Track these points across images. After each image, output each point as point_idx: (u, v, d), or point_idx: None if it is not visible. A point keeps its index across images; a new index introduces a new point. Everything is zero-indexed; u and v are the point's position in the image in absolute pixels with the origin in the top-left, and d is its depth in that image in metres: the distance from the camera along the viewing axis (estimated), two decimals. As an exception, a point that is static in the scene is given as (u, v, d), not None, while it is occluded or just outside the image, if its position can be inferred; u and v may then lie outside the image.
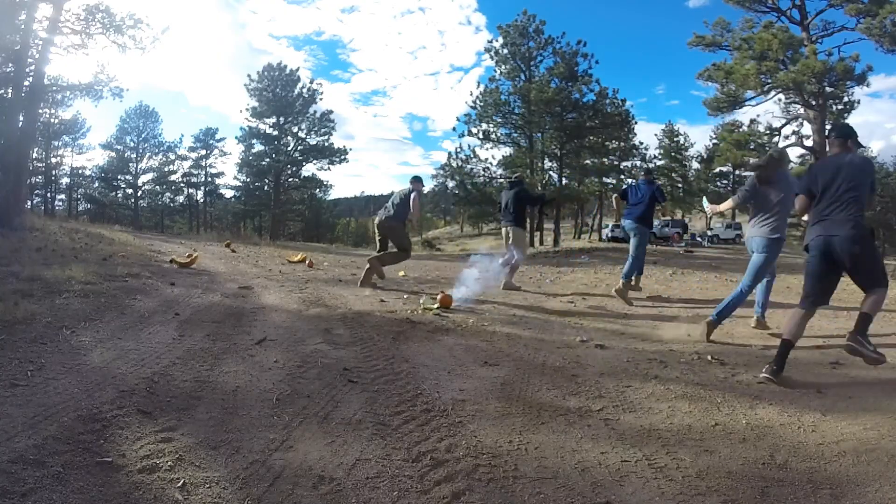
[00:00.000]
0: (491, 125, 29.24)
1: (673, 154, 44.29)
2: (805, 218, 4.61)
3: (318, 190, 41.59)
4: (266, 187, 38.69)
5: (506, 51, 28.78)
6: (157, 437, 2.86)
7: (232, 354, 4.44)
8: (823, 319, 7.29)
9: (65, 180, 41.02)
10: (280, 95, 37.01)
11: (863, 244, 4.02)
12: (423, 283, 10.22)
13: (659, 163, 43.24)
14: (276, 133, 37.58)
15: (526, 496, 2.48)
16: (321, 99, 38.38)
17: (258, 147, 38.23)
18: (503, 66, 29.04)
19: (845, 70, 16.98)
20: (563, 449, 2.96)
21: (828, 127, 18.57)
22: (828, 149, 4.61)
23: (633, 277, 8.41)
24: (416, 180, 8.37)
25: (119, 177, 42.46)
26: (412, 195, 8.10)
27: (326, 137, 37.91)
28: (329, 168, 38.34)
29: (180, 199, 45.76)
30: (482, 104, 28.80)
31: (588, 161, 31.29)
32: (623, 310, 7.77)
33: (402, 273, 11.85)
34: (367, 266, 8.40)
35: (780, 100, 20.86)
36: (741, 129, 23.63)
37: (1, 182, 11.86)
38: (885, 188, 33.05)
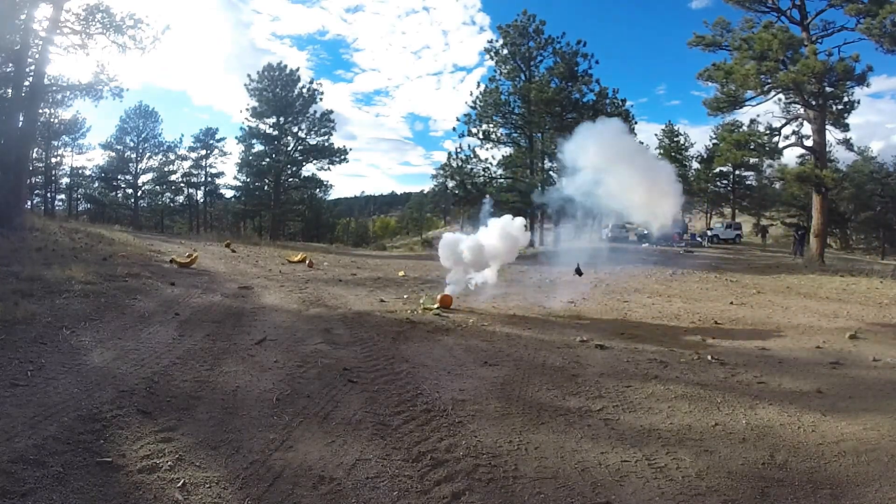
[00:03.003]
0: (491, 125, 29.22)
1: (673, 154, 44.28)
2: None
3: (318, 190, 41.56)
4: (266, 187, 38.63)
5: (506, 51, 28.80)
6: (157, 437, 2.86)
7: (232, 354, 4.44)
8: (823, 320, 7.30)
9: (65, 180, 40.94)
10: (280, 95, 36.98)
11: None
12: (424, 283, 10.22)
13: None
14: (276, 133, 37.54)
15: (526, 496, 2.48)
16: (321, 99, 38.32)
17: (258, 147, 38.18)
18: (503, 67, 29.04)
19: (845, 70, 16.91)
20: (563, 449, 2.97)
21: (828, 127, 18.62)
22: None
23: None
24: None
25: (119, 177, 42.43)
26: None
27: (326, 137, 37.92)
28: (329, 168, 38.36)
29: (180, 199, 45.68)
30: (482, 104, 28.78)
31: (588, 161, 31.33)
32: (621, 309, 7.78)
33: (401, 273, 11.85)
34: None
35: (780, 100, 20.76)
36: (741, 129, 23.61)
37: (1, 182, 11.86)
38: (885, 188, 33.00)
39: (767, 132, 20.50)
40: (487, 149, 30.77)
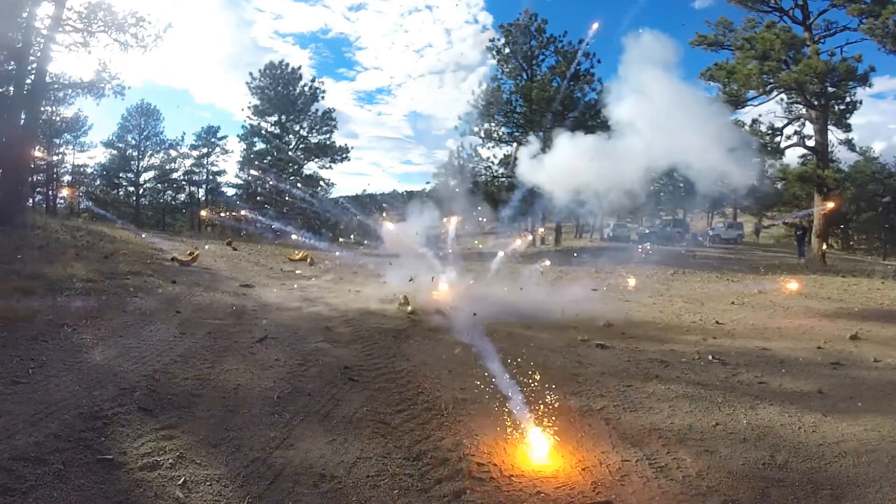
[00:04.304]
0: (493, 124, 29.27)
1: (674, 154, 44.31)
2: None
3: (319, 188, 41.67)
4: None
5: (508, 50, 28.81)
6: (158, 434, 2.87)
7: (233, 352, 4.44)
8: (824, 320, 7.29)
9: (66, 178, 41.09)
10: (282, 94, 36.98)
11: None
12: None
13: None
14: (277, 131, 37.60)
15: (526, 496, 2.48)
16: (323, 97, 38.29)
17: (260, 145, 38.26)
18: (505, 66, 29.06)
19: (847, 70, 16.88)
20: (564, 448, 2.96)
21: (830, 127, 18.60)
22: None
23: None
24: None
25: (121, 175, 42.50)
26: None
27: (328, 136, 37.93)
28: (331, 167, 38.43)
29: (182, 196, 45.76)
30: (484, 103, 28.82)
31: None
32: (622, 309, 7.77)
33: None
34: None
35: (782, 100, 20.72)
36: (743, 129, 23.60)
37: (2, 180, 11.87)
38: (887, 189, 32.90)
39: (769, 132, 20.46)
40: (489, 148, 30.78)
